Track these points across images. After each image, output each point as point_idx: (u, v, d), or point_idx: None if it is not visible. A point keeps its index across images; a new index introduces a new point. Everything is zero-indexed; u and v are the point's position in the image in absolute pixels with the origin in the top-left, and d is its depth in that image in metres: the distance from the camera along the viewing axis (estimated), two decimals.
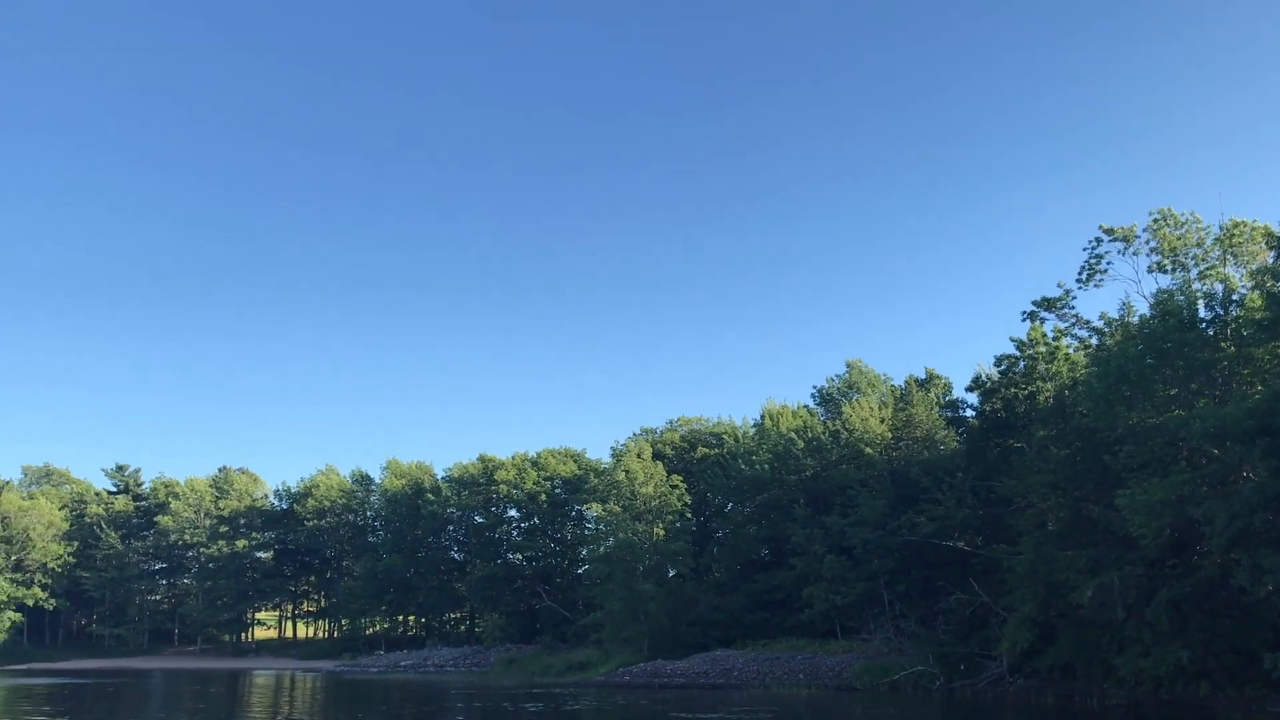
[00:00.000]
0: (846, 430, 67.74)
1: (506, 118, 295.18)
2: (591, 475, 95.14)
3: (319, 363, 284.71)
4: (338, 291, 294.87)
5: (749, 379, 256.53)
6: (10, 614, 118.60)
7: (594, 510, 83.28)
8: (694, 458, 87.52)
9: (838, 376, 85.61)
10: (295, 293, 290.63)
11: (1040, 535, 46.10)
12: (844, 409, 72.22)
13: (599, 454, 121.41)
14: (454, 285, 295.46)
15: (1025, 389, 53.30)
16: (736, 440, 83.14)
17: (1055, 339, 52.42)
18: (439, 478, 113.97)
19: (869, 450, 65.10)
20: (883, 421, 66.75)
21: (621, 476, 74.37)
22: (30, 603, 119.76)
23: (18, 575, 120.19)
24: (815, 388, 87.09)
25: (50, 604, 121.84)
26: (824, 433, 71.45)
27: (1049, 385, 51.34)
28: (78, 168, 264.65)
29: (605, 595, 71.45)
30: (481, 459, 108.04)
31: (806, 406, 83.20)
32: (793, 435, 72.24)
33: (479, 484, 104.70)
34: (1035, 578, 43.94)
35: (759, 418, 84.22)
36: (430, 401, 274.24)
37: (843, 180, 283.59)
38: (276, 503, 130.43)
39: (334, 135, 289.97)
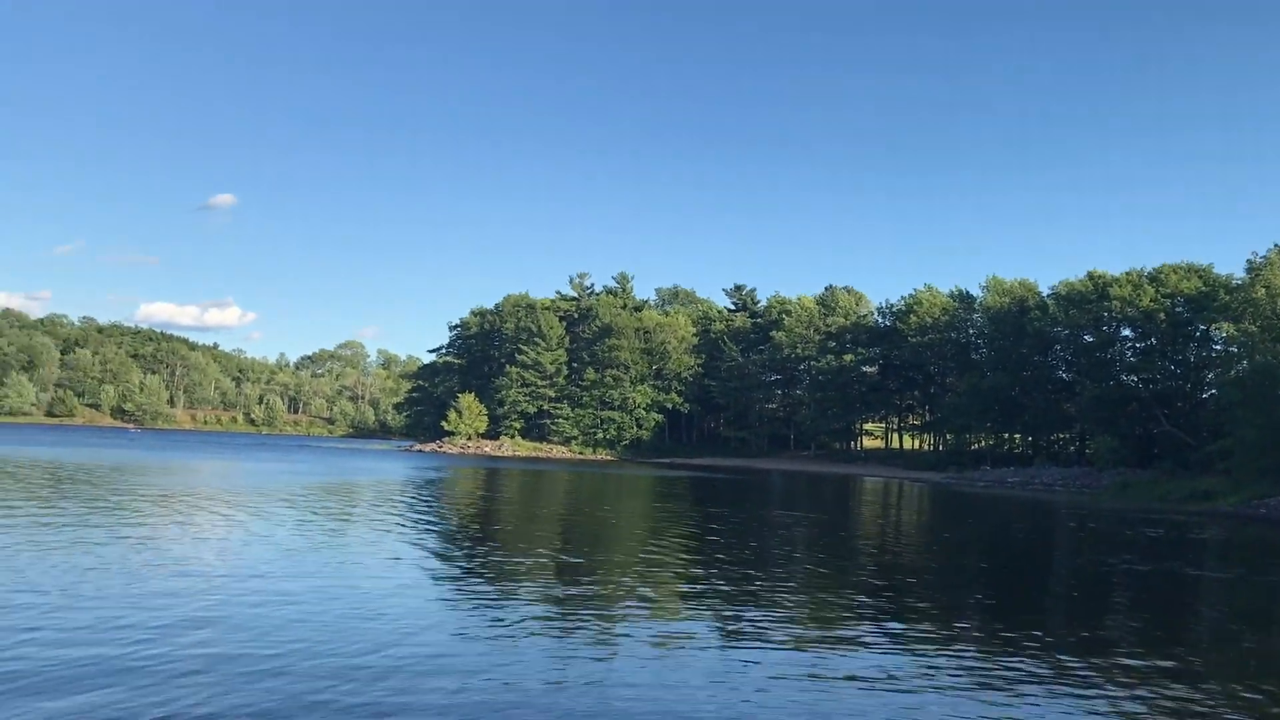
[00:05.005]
0: None
1: None
2: (1221, 292, 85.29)
3: (912, 183, 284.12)
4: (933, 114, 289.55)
5: None
6: (654, 415, 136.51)
7: (1224, 330, 74.97)
8: None
9: None
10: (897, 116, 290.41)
11: None
12: None
13: (1229, 268, 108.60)
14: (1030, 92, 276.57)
15: None
16: None
17: None
18: (1044, 295, 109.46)
19: None
20: None
21: (1260, 293, 65.64)
22: (669, 406, 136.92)
23: (658, 383, 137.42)
24: None
25: (684, 408, 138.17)
26: None
27: None
28: None
29: (1236, 422, 64.49)
30: (1090, 276, 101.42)
31: None
32: None
33: (1088, 301, 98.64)
34: None
35: None
36: (1028, 218, 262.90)
37: None
38: (879, 320, 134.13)
39: None
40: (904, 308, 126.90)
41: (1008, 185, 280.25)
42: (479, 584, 17.64)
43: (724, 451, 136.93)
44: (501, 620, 13.98)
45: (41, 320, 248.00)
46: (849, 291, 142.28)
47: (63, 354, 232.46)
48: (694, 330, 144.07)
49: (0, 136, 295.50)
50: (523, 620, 14.04)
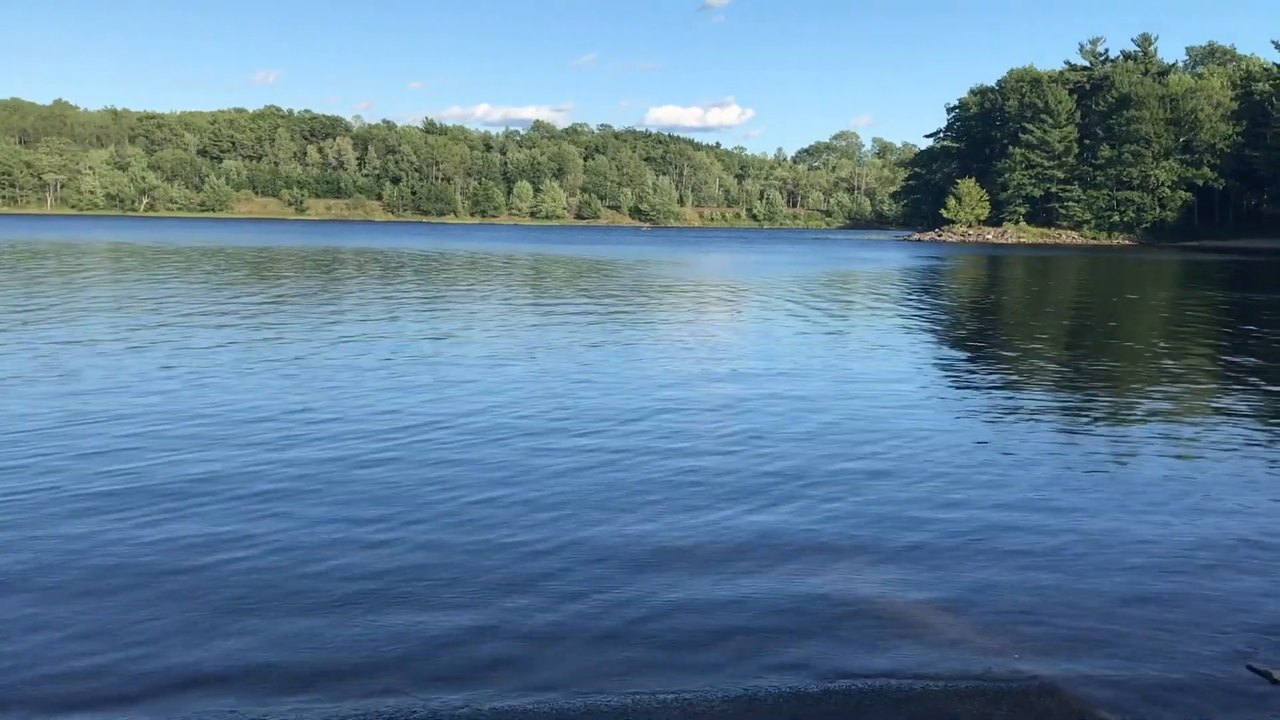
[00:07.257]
0: None
1: None
2: None
3: None
4: None
5: None
6: (1181, 194, 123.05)
7: None
8: None
9: None
10: None
11: None
12: None
13: None
14: None
15: None
16: None
17: None
18: None
19: None
20: None
21: None
22: (1199, 183, 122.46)
23: (1186, 157, 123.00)
24: None
25: (1219, 184, 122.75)
26: None
27: None
28: None
29: None
30: None
31: None
32: None
33: None
34: None
35: None
36: None
37: None
38: None
39: None
40: None
41: None
42: (985, 379, 16.83)
43: (1269, 233, 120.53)
44: (1011, 421, 13.18)
45: (566, 130, 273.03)
46: None
47: (585, 160, 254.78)
48: (1232, 94, 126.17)
49: None
50: (1033, 423, 13.11)
